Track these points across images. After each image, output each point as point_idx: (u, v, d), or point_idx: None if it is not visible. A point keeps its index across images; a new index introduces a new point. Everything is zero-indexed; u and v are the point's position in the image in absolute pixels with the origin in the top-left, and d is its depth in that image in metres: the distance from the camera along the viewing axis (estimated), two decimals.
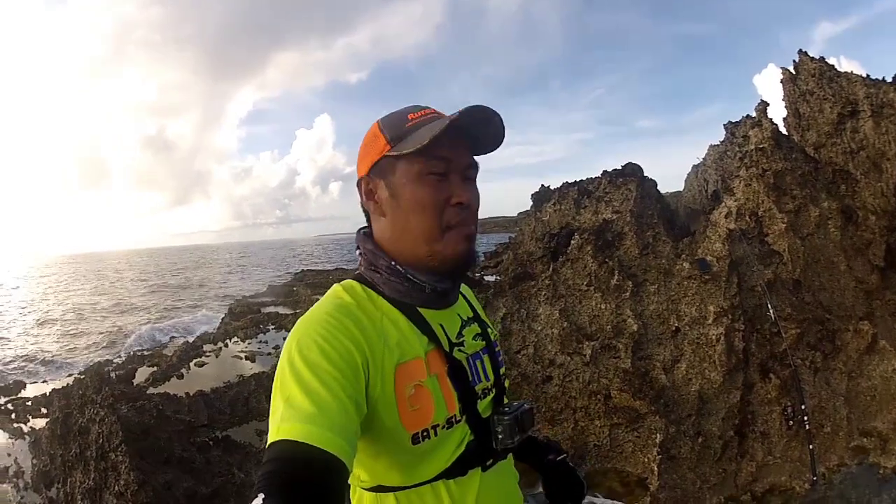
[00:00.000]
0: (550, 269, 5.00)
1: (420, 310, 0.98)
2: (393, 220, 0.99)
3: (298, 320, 0.91)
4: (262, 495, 0.66)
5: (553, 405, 4.79)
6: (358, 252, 1.05)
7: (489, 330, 1.13)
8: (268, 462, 0.71)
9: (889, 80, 6.49)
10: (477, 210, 1.01)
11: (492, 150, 1.03)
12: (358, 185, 1.03)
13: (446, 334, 1.00)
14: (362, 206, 1.05)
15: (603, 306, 4.87)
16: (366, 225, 1.07)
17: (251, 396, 6.07)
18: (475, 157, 1.03)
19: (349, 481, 0.88)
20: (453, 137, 0.94)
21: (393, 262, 0.98)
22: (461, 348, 1.02)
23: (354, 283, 1.00)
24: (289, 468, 0.70)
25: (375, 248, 1.01)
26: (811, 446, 4.99)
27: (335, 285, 1.01)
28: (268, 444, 0.74)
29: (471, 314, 1.11)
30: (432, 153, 0.93)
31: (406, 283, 0.97)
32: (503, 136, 1.00)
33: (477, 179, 1.03)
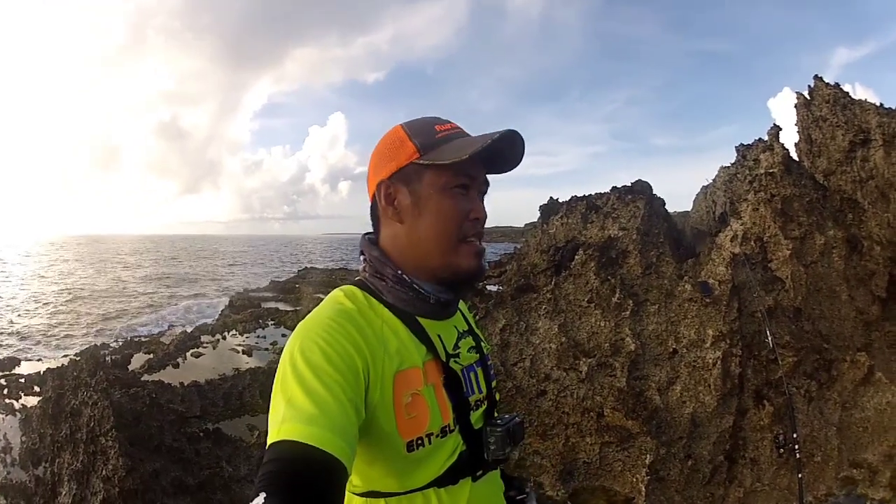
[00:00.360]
0: (552, 283, 4.98)
1: (419, 319, 0.99)
2: (410, 228, 0.99)
3: (300, 323, 0.91)
4: (263, 494, 0.65)
5: (546, 420, 4.78)
6: (362, 258, 1.05)
7: (482, 343, 1.15)
8: (269, 462, 0.71)
9: None
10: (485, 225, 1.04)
11: (505, 172, 1.07)
12: (377, 188, 1.02)
13: (443, 345, 1.01)
14: (372, 210, 1.06)
15: (602, 323, 4.85)
16: (371, 231, 1.08)
17: (245, 391, 6.05)
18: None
19: None
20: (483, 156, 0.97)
21: (399, 272, 0.98)
22: (457, 359, 1.03)
23: (356, 288, 1.00)
24: (290, 468, 0.70)
25: (381, 255, 1.01)
26: (800, 475, 4.98)
27: (336, 290, 1.01)
28: (268, 444, 0.74)
29: (466, 327, 1.12)
30: (462, 169, 0.96)
31: (411, 292, 0.98)
32: (520, 161, 1.04)
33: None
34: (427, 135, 0.98)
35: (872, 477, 5.25)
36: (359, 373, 0.85)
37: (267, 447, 0.74)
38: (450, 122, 1.02)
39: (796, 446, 5.00)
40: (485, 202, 1.05)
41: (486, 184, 1.04)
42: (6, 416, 6.96)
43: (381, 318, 0.96)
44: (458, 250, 0.98)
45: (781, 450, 5.10)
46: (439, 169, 0.96)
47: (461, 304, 1.18)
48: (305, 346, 0.84)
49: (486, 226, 1.04)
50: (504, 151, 1.01)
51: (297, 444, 0.72)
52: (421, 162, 0.97)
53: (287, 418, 0.75)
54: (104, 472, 4.37)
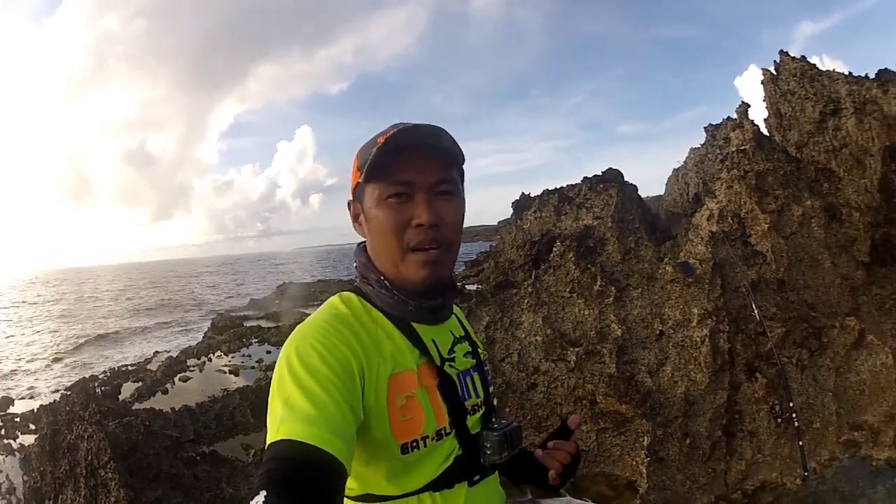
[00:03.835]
0: (533, 277, 5.03)
1: (414, 324, 1.01)
2: (369, 242, 1.04)
3: (296, 328, 0.94)
4: (263, 492, 0.66)
5: (538, 412, 4.82)
6: (354, 265, 1.08)
7: (479, 350, 1.16)
8: (268, 461, 0.72)
9: (871, 76, 6.51)
10: (450, 225, 0.99)
11: (460, 164, 1.03)
12: (348, 208, 1.09)
13: (438, 349, 1.03)
14: None
15: (586, 312, 4.90)
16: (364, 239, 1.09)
17: (236, 410, 6.09)
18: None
19: None
20: (414, 157, 0.94)
21: (382, 277, 1.00)
22: (452, 364, 1.04)
23: (352, 294, 1.03)
24: (290, 466, 0.70)
25: (368, 261, 1.04)
26: (801, 442, 5.01)
27: (333, 297, 1.04)
28: (267, 443, 0.75)
29: (462, 333, 1.14)
30: (389, 177, 0.95)
31: (393, 297, 0.99)
32: (458, 150, 0.99)
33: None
34: (366, 151, 0.98)
35: (875, 438, 5.28)
36: (354, 374, 0.86)
37: (266, 447, 0.75)
38: (395, 127, 0.97)
39: (794, 415, 5.04)
40: (460, 199, 1.01)
41: (447, 181, 0.99)
42: (6, 456, 7.05)
43: (377, 323, 0.98)
44: (405, 261, 0.97)
45: (779, 419, 5.15)
46: (371, 183, 0.97)
47: (458, 311, 1.20)
48: (301, 349, 0.86)
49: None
50: (432, 143, 0.96)
51: (296, 443, 0.73)
52: (360, 180, 0.99)
53: (286, 418, 0.76)
54: None
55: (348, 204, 1.09)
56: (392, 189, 0.95)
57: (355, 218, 1.06)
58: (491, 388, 1.14)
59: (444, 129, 0.96)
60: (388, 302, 1.00)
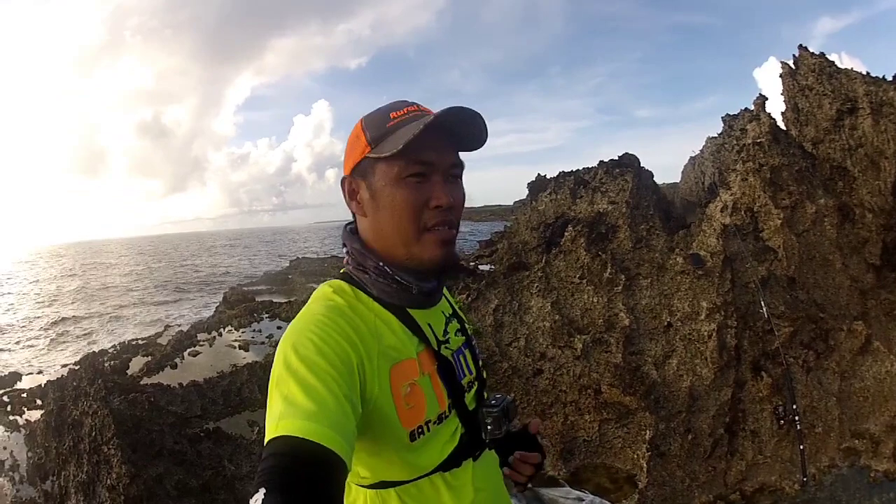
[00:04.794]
0: (543, 261, 4.96)
1: (409, 311, 0.99)
2: (372, 221, 0.99)
3: (292, 322, 0.91)
4: (263, 490, 0.65)
5: (543, 399, 4.76)
6: (344, 250, 1.04)
7: (466, 325, 1.16)
8: (268, 457, 0.70)
9: (889, 78, 6.44)
10: (460, 208, 1.00)
11: (475, 149, 1.02)
12: (341, 184, 1.03)
13: (434, 333, 1.02)
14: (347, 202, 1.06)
15: (595, 300, 4.82)
16: (352, 221, 1.06)
17: (244, 386, 6.07)
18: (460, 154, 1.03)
19: None
20: (435, 138, 0.92)
21: (381, 263, 0.97)
22: (447, 345, 1.05)
23: (343, 283, 1.00)
24: (290, 463, 0.69)
25: (363, 247, 1.00)
26: (802, 446, 4.96)
27: (322, 286, 1.00)
28: (266, 440, 0.74)
29: (450, 311, 1.13)
30: (412, 156, 0.92)
31: (394, 284, 0.97)
32: (486, 136, 0.99)
33: (474, 169, 0.99)
34: (378, 126, 0.96)
35: (875, 448, 5.21)
36: (353, 367, 0.84)
37: (265, 444, 0.74)
38: (409, 106, 0.97)
39: (796, 417, 4.99)
40: (463, 183, 1.01)
41: (457, 165, 0.99)
42: (11, 432, 6.98)
43: (373, 312, 0.96)
44: (420, 241, 0.95)
45: (782, 421, 5.09)
46: (389, 160, 0.93)
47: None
48: (299, 343, 0.84)
49: (474, 205, 0.99)
50: (459, 128, 0.95)
51: (295, 439, 0.71)
52: (371, 156, 0.95)
53: (284, 414, 0.75)
54: (108, 481, 4.36)
55: (342, 180, 1.03)
56: (413, 168, 0.93)
57: (352, 195, 1.01)
58: (480, 362, 1.15)
59: (479, 114, 0.94)
60: (386, 290, 0.98)
